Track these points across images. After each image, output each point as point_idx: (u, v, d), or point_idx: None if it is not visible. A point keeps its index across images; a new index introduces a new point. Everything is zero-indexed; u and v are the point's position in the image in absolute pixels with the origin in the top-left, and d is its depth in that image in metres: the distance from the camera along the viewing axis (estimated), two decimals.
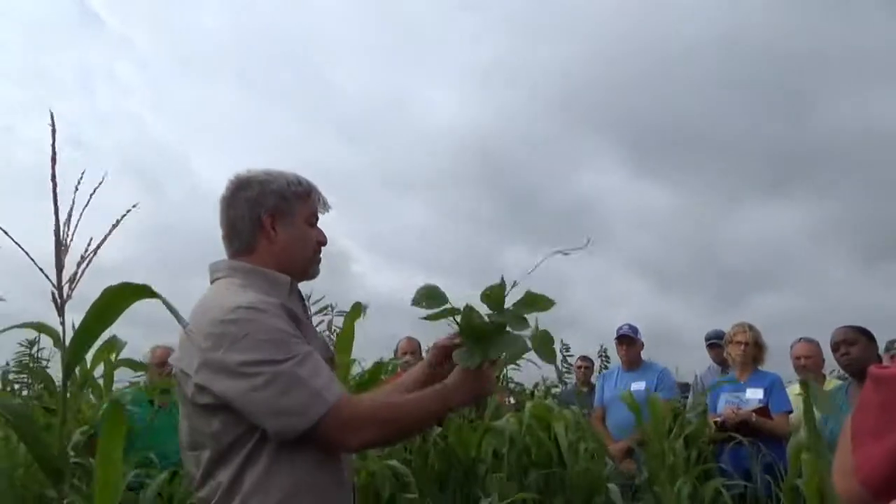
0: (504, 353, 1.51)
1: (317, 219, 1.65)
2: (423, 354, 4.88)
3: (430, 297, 1.54)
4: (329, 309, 4.07)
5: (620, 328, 4.64)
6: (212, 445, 1.42)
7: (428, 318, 1.54)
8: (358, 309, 2.97)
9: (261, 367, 1.35)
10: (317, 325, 3.34)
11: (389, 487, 2.77)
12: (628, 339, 4.59)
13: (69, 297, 1.02)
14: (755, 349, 4.13)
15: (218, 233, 1.65)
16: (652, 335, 4.73)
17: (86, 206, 1.05)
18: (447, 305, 1.53)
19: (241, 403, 1.36)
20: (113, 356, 3.64)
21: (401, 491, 2.80)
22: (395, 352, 4.65)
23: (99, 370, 4.01)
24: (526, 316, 1.51)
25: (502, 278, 1.51)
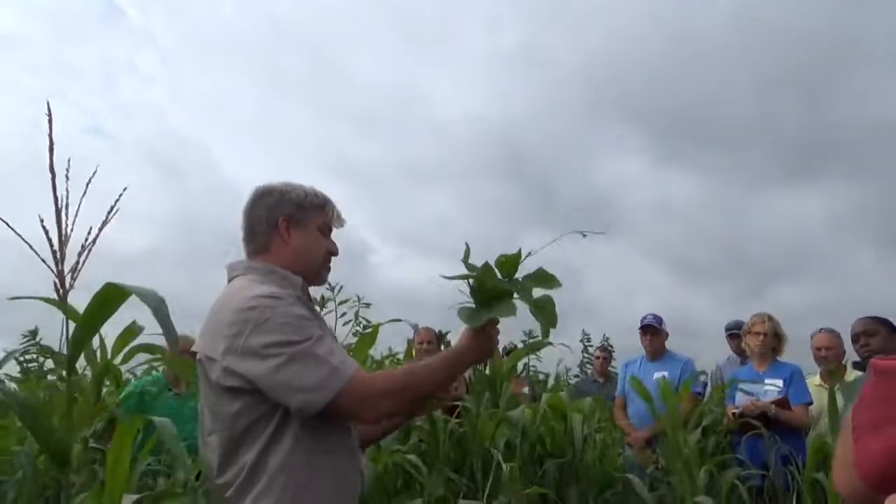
0: (502, 315, 1.59)
1: (330, 230, 1.79)
2: (441, 346, 4.89)
3: (466, 258, 1.63)
4: (357, 300, 4.08)
5: (645, 318, 4.60)
6: (233, 427, 1.51)
7: (451, 277, 1.65)
8: (375, 333, 2.94)
9: (282, 349, 1.46)
10: (342, 315, 3.37)
11: (402, 477, 2.80)
12: (653, 329, 4.55)
13: (72, 286, 1.03)
14: (774, 340, 4.08)
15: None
16: (673, 326, 4.68)
17: (83, 195, 1.06)
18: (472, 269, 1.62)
19: (266, 382, 1.47)
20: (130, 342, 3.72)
21: (414, 482, 2.82)
22: (411, 341, 4.67)
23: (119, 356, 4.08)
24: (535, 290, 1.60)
25: (519, 249, 1.60)
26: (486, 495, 2.86)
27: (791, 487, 3.33)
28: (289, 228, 1.70)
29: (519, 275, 1.62)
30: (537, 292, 1.62)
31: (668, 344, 4.61)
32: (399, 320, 2.82)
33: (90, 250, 1.04)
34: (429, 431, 3.00)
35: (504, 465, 2.91)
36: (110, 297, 0.98)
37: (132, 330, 3.61)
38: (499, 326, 1.68)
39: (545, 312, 1.61)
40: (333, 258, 1.81)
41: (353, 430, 1.70)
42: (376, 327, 2.79)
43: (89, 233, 1.05)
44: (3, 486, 2.74)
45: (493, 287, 1.61)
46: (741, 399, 4.09)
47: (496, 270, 1.61)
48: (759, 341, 4.06)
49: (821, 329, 4.17)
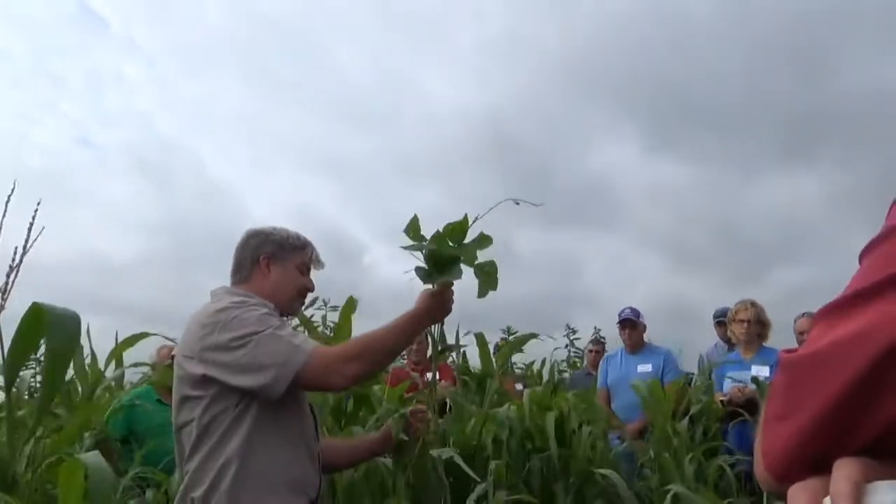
0: (452, 278, 1.80)
1: (309, 269, 1.99)
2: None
3: (413, 228, 1.84)
4: (322, 304, 4.09)
5: (622, 312, 4.67)
6: (202, 417, 1.67)
7: (406, 248, 1.83)
8: (352, 303, 3.01)
9: (248, 338, 1.65)
10: (310, 318, 3.37)
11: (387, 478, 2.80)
12: (631, 323, 4.62)
13: (2, 307, 1.04)
14: (758, 326, 4.10)
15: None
16: (669, 313, 4.73)
17: (3, 215, 1.07)
18: (422, 239, 1.83)
19: (236, 369, 1.64)
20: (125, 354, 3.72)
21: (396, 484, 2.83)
22: None
23: (110, 370, 4.10)
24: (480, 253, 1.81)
25: (465, 216, 1.80)
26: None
27: None
28: (269, 265, 1.92)
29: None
30: (486, 255, 1.81)
31: (665, 332, 4.66)
32: (353, 297, 2.89)
33: (18, 270, 1.05)
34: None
35: (491, 463, 2.93)
36: (38, 317, 0.99)
37: (133, 339, 3.63)
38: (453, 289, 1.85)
39: (488, 275, 1.79)
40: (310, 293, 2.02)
41: (314, 429, 1.87)
42: (346, 321, 2.82)
43: (15, 253, 1.06)
44: None
45: (443, 253, 1.79)
46: (729, 386, 4.11)
47: (446, 238, 1.79)
48: (743, 329, 4.08)
49: (803, 313, 4.20)
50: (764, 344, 4.14)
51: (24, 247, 1.04)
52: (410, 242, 1.84)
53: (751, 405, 3.69)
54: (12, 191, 1.00)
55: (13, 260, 1.05)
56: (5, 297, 1.03)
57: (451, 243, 1.81)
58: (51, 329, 0.95)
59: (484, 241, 1.81)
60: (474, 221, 1.80)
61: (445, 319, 1.96)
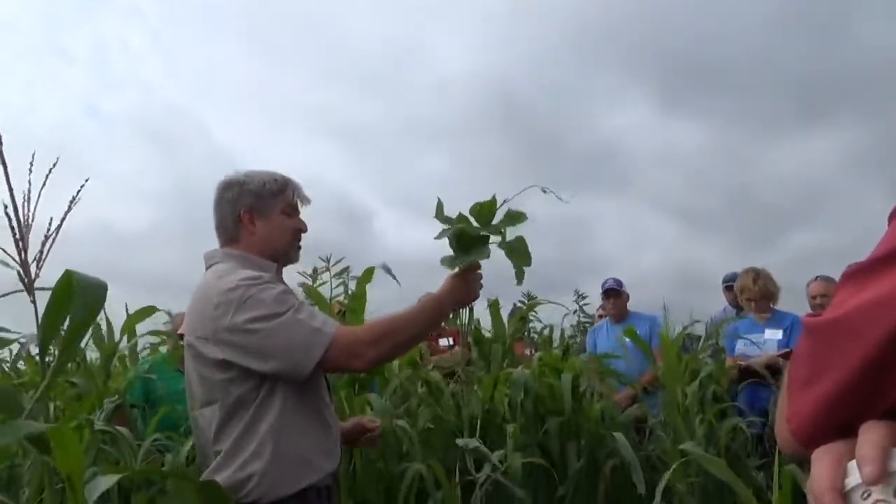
0: (478, 258, 1.73)
1: (295, 209, 1.89)
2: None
3: (440, 213, 1.77)
4: (346, 274, 4.09)
5: (605, 282, 4.70)
6: (226, 398, 1.64)
7: (438, 237, 1.75)
8: (370, 273, 3.00)
9: (267, 321, 1.60)
10: (337, 286, 3.37)
11: (406, 443, 2.85)
12: (615, 293, 4.66)
13: (37, 275, 1.06)
14: (765, 300, 4.10)
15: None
16: (679, 278, 4.75)
17: (43, 185, 1.08)
18: (447, 222, 1.75)
19: (256, 354, 1.61)
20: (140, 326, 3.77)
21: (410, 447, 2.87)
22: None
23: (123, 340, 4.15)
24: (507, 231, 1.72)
25: (493, 196, 1.72)
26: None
27: None
28: (252, 219, 1.81)
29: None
30: (512, 233, 1.72)
31: (676, 296, 4.69)
32: (372, 268, 2.84)
33: (54, 240, 1.07)
34: (427, 395, 3.05)
35: (507, 426, 2.97)
36: (70, 285, 1.01)
37: (145, 312, 3.67)
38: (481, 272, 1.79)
39: (518, 253, 1.71)
40: (305, 234, 1.91)
41: (331, 399, 1.86)
42: (361, 291, 2.82)
43: (50, 223, 1.07)
44: (19, 469, 2.83)
45: (469, 235, 1.72)
46: (741, 349, 4.12)
47: (472, 219, 1.72)
48: (752, 306, 4.12)
49: (816, 277, 4.17)
50: (776, 308, 4.14)
51: (63, 216, 1.06)
52: (441, 228, 1.76)
53: (770, 370, 3.70)
54: (32, 161, 1.01)
55: (48, 229, 1.06)
56: (40, 265, 1.05)
57: (478, 224, 1.73)
58: (77, 295, 0.97)
59: (515, 217, 1.71)
60: (502, 204, 1.72)
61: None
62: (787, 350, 3.80)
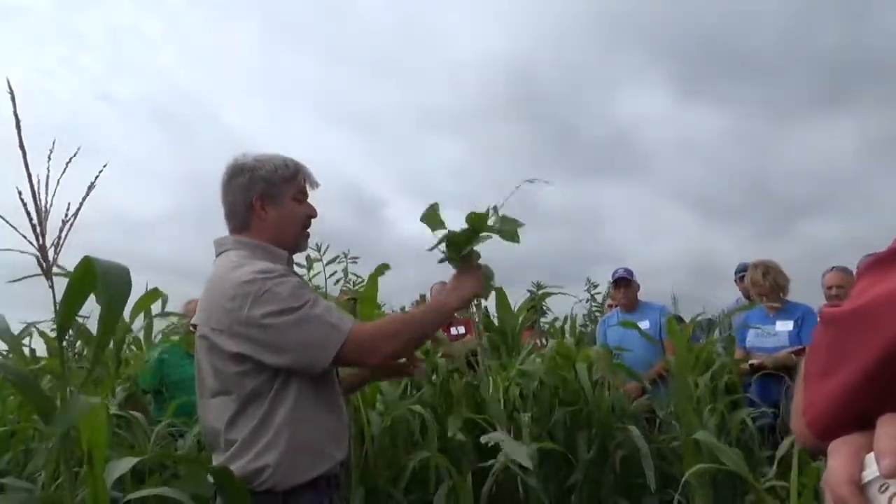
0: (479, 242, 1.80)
1: (305, 195, 1.87)
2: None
3: (431, 217, 1.82)
4: (342, 256, 4.09)
5: (616, 272, 4.68)
6: (241, 389, 1.64)
7: (431, 249, 1.83)
8: (381, 269, 3.00)
9: (282, 316, 1.59)
10: (331, 275, 3.39)
11: (418, 428, 2.86)
12: (625, 282, 4.63)
13: (55, 260, 1.07)
14: (776, 293, 4.08)
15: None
16: (692, 268, 4.73)
17: (63, 172, 1.09)
18: (442, 231, 1.80)
19: (271, 348, 1.60)
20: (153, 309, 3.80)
21: (423, 435, 2.88)
22: (428, 295, 4.73)
23: (138, 322, 4.18)
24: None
25: (488, 208, 1.79)
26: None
27: None
28: (264, 206, 1.79)
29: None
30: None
31: (689, 285, 4.67)
32: (385, 265, 2.85)
33: (72, 224, 1.07)
34: (442, 384, 3.06)
35: (520, 415, 2.98)
36: (89, 271, 1.01)
37: (151, 296, 3.70)
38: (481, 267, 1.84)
39: (507, 230, 1.76)
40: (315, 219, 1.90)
41: (339, 385, 1.85)
42: (372, 285, 2.82)
43: (68, 208, 1.08)
44: (35, 452, 2.87)
45: (459, 240, 1.79)
46: (752, 340, 4.10)
47: (469, 224, 1.77)
48: (763, 301, 4.09)
49: (832, 267, 4.13)
50: (787, 299, 4.11)
51: (82, 200, 1.07)
52: (433, 237, 1.82)
53: (781, 366, 3.69)
54: (52, 147, 1.02)
55: (66, 214, 1.07)
56: (58, 251, 1.05)
57: (474, 230, 1.78)
58: (103, 279, 0.97)
59: (510, 224, 1.77)
60: (493, 210, 1.78)
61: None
62: (801, 347, 3.78)
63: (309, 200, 1.89)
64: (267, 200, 1.79)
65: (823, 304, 4.04)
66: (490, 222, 1.77)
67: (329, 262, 3.32)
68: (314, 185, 1.89)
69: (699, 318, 4.41)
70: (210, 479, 1.59)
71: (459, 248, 1.80)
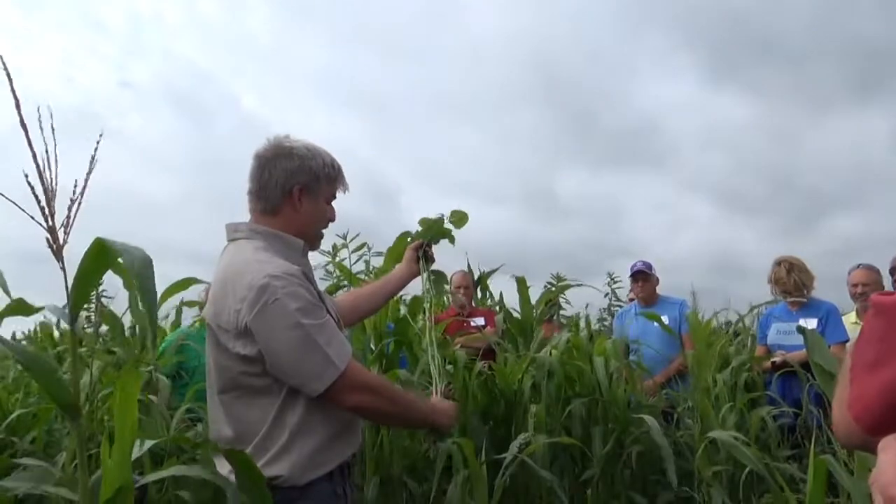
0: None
1: (334, 198, 1.85)
2: (478, 291, 4.96)
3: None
4: (366, 249, 4.11)
5: (634, 265, 4.62)
6: (248, 389, 1.61)
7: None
8: (403, 240, 2.99)
9: (287, 332, 1.54)
10: (354, 264, 3.40)
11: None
12: (644, 276, 4.57)
13: (65, 241, 1.07)
14: (799, 291, 4.00)
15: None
16: (718, 263, 4.66)
17: (93, 159, 1.09)
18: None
19: (270, 361, 1.56)
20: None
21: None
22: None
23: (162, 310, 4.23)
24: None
25: (441, 214, 2.36)
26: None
27: (824, 426, 3.31)
28: (301, 198, 1.74)
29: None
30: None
31: (710, 281, 4.61)
32: (407, 232, 2.93)
33: (79, 204, 1.07)
34: (454, 374, 3.05)
35: (531, 407, 2.97)
36: (102, 253, 1.02)
37: (183, 283, 3.73)
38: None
39: (458, 221, 2.36)
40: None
41: None
42: (391, 260, 2.86)
43: (75, 185, 1.08)
44: (58, 433, 2.92)
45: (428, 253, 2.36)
46: (774, 335, 4.04)
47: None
48: (787, 298, 4.02)
49: (858, 265, 4.06)
50: (811, 295, 4.05)
51: (86, 178, 1.06)
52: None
53: (806, 367, 3.63)
54: (52, 124, 1.02)
55: (73, 192, 1.07)
56: (68, 230, 1.06)
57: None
58: (127, 260, 0.98)
59: (460, 219, 2.37)
60: (446, 218, 2.39)
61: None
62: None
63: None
64: (305, 193, 1.75)
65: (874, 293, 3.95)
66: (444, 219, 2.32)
67: (356, 250, 3.32)
68: (346, 189, 1.86)
69: (720, 314, 4.34)
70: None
71: (430, 261, 2.35)
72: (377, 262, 4.32)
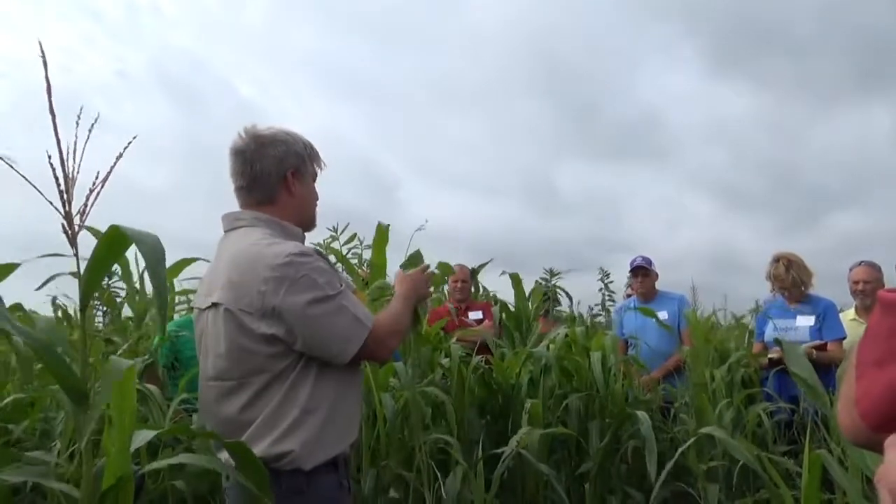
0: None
1: (317, 176, 1.88)
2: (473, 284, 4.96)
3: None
4: (358, 241, 4.09)
5: (634, 260, 4.62)
6: (267, 370, 1.62)
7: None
8: (383, 231, 3.01)
9: (318, 305, 1.59)
10: (346, 254, 3.40)
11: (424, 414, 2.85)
12: (643, 271, 4.57)
13: (80, 228, 1.06)
14: (798, 288, 4.00)
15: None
16: (717, 259, 4.66)
17: (87, 140, 1.08)
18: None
19: (302, 334, 1.59)
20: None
21: (438, 418, 2.88)
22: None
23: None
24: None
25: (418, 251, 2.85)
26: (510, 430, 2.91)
27: (820, 422, 3.31)
28: (294, 181, 1.77)
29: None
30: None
31: (709, 278, 4.62)
32: (381, 223, 3.07)
33: (99, 192, 1.07)
34: (451, 369, 3.04)
35: (527, 401, 2.97)
36: (116, 240, 1.01)
37: (179, 265, 3.72)
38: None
39: (412, 264, 2.70)
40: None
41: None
42: (379, 251, 2.93)
43: (97, 177, 1.07)
44: (55, 421, 2.90)
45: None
46: (772, 332, 4.04)
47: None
48: (785, 294, 4.01)
49: (860, 262, 4.06)
50: (810, 292, 4.05)
51: (109, 170, 1.06)
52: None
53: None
54: (80, 114, 1.01)
55: (94, 182, 1.07)
56: (84, 218, 1.05)
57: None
58: (141, 245, 0.97)
59: (414, 260, 2.86)
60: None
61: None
62: (822, 342, 3.72)
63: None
64: (297, 176, 1.78)
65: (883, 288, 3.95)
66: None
67: (346, 242, 3.32)
68: (323, 167, 1.89)
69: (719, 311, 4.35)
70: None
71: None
72: (369, 254, 4.32)
